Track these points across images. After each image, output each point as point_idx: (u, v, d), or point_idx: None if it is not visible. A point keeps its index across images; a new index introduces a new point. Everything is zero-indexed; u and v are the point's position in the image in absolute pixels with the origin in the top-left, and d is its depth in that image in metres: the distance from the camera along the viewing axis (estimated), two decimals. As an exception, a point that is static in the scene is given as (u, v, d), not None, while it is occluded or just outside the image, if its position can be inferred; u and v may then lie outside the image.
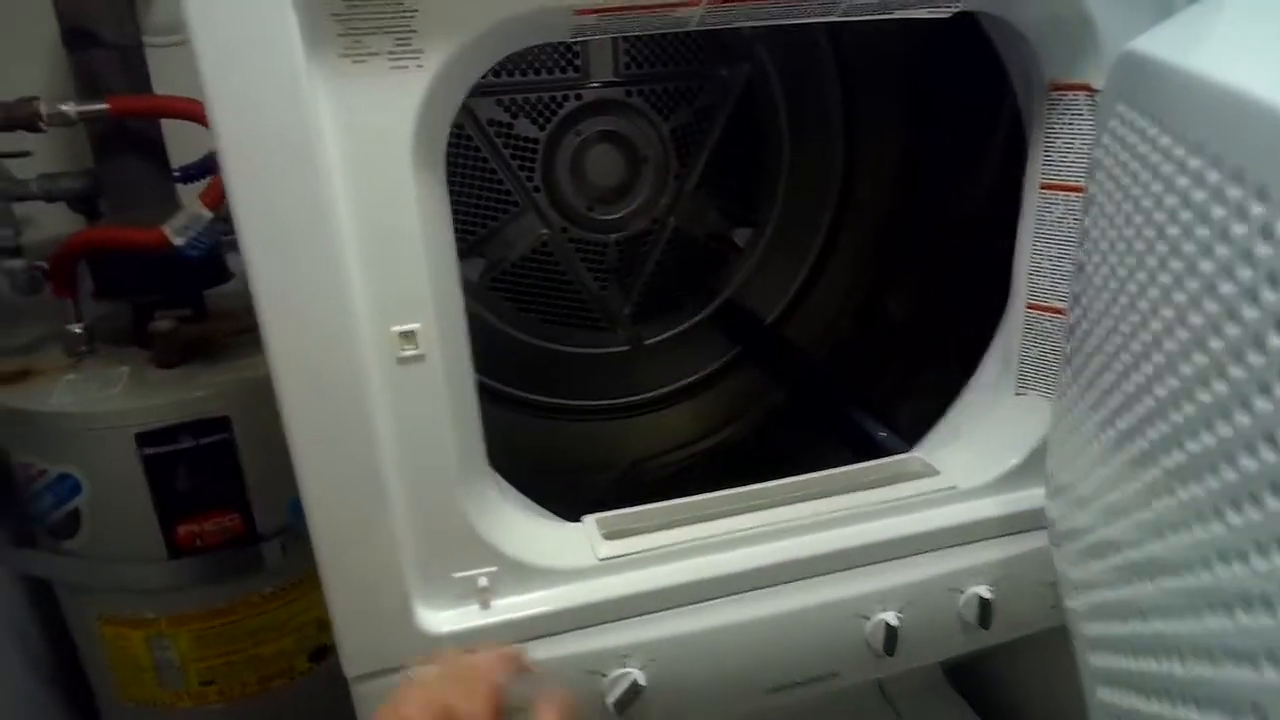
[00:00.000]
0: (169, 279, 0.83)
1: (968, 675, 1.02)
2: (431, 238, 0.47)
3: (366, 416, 0.48)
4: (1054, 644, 0.67)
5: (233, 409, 0.78)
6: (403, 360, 0.48)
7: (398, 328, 0.48)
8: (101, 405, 0.75)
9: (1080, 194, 0.54)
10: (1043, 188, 0.56)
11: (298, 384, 0.47)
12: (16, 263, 0.82)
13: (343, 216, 0.45)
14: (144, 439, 0.76)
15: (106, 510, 0.78)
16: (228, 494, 0.80)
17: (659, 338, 0.97)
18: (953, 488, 0.62)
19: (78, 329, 0.83)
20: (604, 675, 0.56)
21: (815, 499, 0.62)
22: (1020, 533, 0.62)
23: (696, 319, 0.98)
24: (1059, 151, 0.55)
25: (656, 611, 0.57)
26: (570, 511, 0.62)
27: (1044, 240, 0.57)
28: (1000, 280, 0.65)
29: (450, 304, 0.50)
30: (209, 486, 0.79)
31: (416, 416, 0.50)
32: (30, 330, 0.89)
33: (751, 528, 0.59)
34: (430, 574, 0.53)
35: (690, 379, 0.99)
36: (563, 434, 0.96)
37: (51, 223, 0.90)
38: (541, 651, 0.54)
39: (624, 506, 0.62)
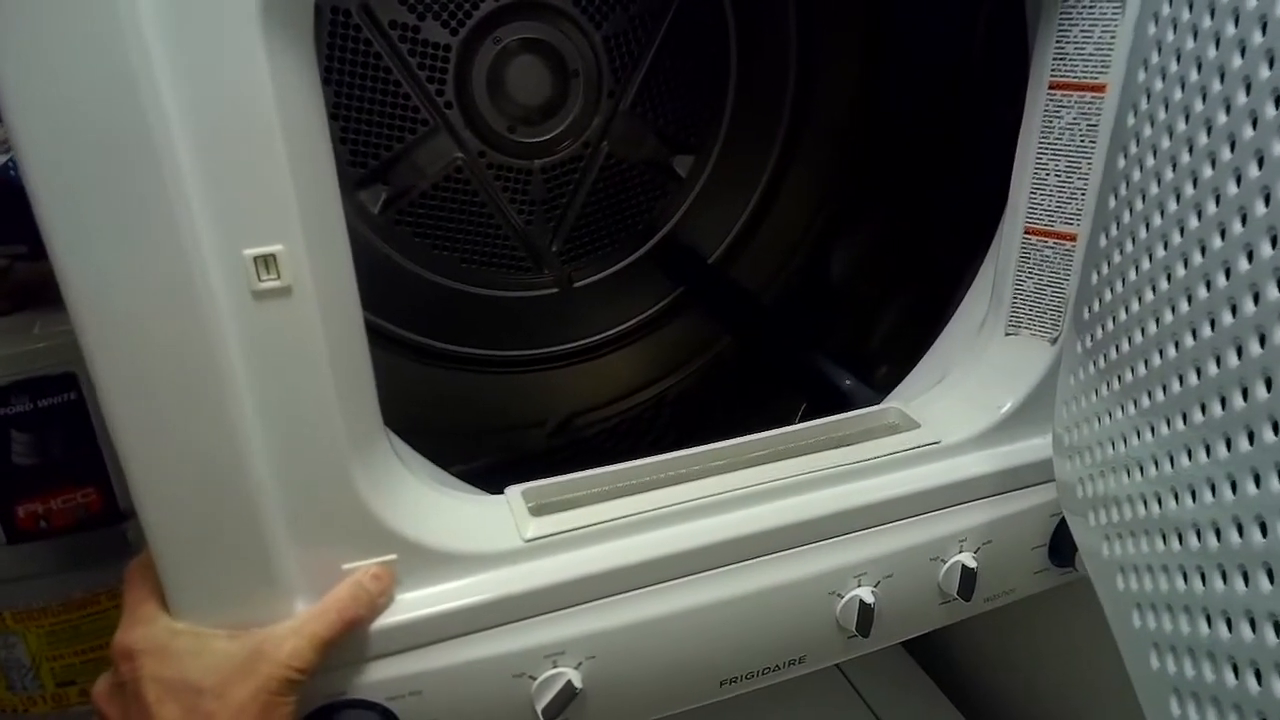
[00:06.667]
0: (-4, 207, 0.69)
1: (921, 640, 0.97)
2: (294, 127, 0.35)
3: (215, 373, 0.37)
4: (1013, 609, 0.61)
5: (80, 363, 0.64)
6: (261, 295, 0.37)
7: (252, 251, 0.36)
8: (-92, 361, 0.61)
9: (1100, 93, 0.45)
10: (1052, 87, 0.47)
11: (114, 338, 0.36)
12: None
13: (166, 95, 0.33)
14: (-34, 402, 0.62)
15: (-76, 488, 0.64)
16: (79, 465, 0.67)
17: (591, 279, 0.86)
18: (936, 442, 0.53)
19: (-118, 269, 0.68)
20: (532, 679, 0.46)
21: (777, 460, 0.53)
22: (1010, 492, 0.55)
23: (632, 258, 0.87)
24: (1074, 43, 0.46)
25: (594, 600, 0.47)
26: (498, 482, 0.52)
27: (1051, 151, 0.49)
28: (982, 208, 0.56)
29: (324, 219, 0.38)
30: (53, 457, 0.66)
31: (284, 369, 0.38)
32: None
33: (704, 496, 0.50)
34: (312, 569, 0.42)
35: (626, 324, 0.90)
36: (485, 388, 0.85)
37: None
38: (455, 654, 0.44)
39: (558, 468, 0.52)
